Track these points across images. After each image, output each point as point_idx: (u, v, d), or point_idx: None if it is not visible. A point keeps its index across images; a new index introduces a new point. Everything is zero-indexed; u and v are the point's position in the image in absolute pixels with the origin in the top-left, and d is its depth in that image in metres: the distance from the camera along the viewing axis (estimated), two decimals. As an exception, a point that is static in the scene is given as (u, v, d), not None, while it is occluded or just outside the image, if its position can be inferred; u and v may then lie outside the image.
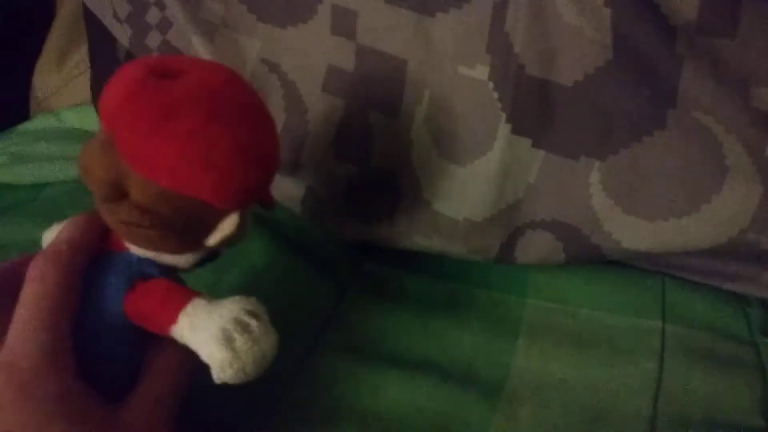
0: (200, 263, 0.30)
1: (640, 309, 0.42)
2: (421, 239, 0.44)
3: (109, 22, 0.52)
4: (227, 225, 0.27)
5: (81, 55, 0.68)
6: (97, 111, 0.27)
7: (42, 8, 0.70)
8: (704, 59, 0.37)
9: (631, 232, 0.39)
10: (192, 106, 0.25)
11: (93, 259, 0.28)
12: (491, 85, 0.39)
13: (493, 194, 0.41)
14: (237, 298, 0.26)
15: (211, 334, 0.25)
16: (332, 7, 0.41)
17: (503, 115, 0.39)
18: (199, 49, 0.45)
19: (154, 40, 0.48)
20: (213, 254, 0.30)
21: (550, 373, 0.38)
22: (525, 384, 0.38)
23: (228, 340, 0.25)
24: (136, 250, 0.28)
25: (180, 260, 0.29)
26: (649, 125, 0.38)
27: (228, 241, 0.28)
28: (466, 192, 0.41)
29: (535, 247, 0.42)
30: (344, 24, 0.41)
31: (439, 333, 0.41)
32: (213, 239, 0.28)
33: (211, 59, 0.44)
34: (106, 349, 0.28)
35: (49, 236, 0.31)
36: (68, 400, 0.25)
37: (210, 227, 0.28)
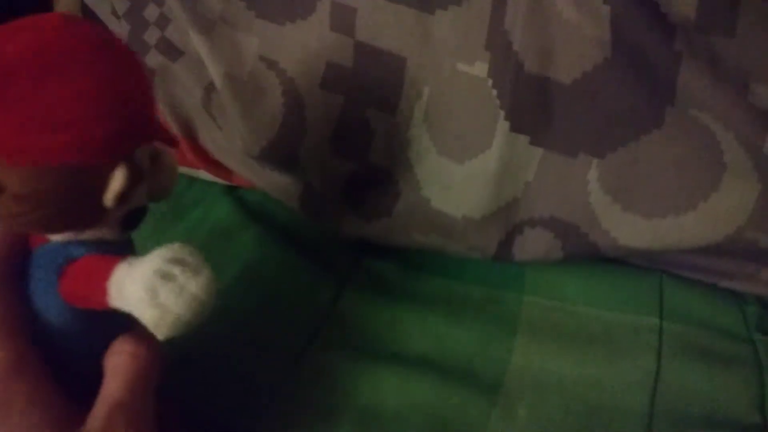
0: (128, 225, 0.28)
1: (638, 306, 0.42)
2: (419, 236, 0.44)
3: (106, 18, 0.51)
4: (116, 180, 0.25)
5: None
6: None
7: (39, 4, 0.70)
8: (703, 57, 0.37)
9: (629, 230, 0.39)
10: (17, 71, 0.23)
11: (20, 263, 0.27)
12: (490, 82, 0.39)
13: (492, 192, 0.41)
14: (158, 249, 0.24)
15: (137, 295, 0.23)
16: (331, 4, 0.41)
17: (502, 113, 0.39)
18: (197, 45, 0.45)
19: (152, 36, 0.48)
20: (139, 211, 0.28)
21: (548, 371, 0.38)
22: (523, 381, 0.38)
23: (153, 296, 0.23)
24: (54, 236, 0.27)
25: (98, 232, 0.27)
26: (648, 123, 0.38)
27: (125, 196, 0.26)
28: (465, 189, 0.41)
29: (534, 244, 0.42)
30: (343, 20, 0.41)
31: (437, 330, 0.41)
32: (109, 199, 0.25)
33: (210, 54, 0.44)
34: (74, 347, 0.27)
35: None
36: (38, 401, 0.25)
37: (101, 187, 0.25)
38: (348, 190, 0.44)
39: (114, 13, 0.50)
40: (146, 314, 0.23)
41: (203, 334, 0.39)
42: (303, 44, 0.43)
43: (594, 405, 0.36)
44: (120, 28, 0.50)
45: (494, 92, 0.39)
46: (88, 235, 0.27)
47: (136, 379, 0.26)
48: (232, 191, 0.51)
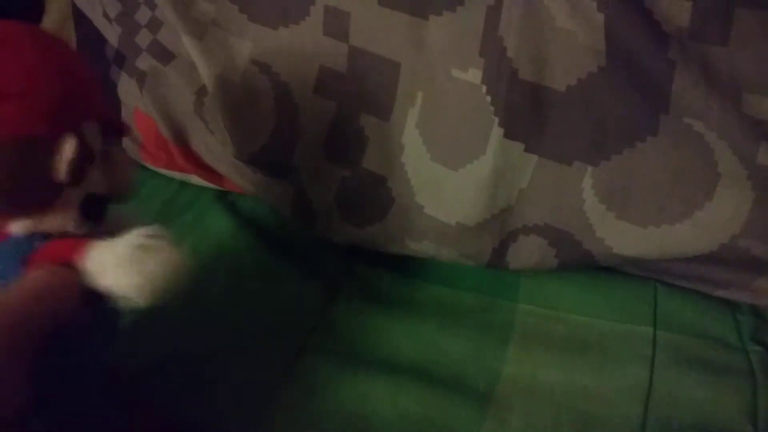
0: (88, 215, 0.29)
1: (632, 315, 0.41)
2: (412, 243, 0.44)
3: (98, 21, 0.51)
4: (66, 149, 0.27)
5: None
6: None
7: (31, 7, 0.70)
8: (697, 65, 0.37)
9: (623, 238, 0.39)
10: None
11: None
12: (484, 88, 0.39)
13: (486, 199, 0.40)
14: (134, 229, 0.27)
15: (122, 266, 0.26)
16: (325, 8, 0.41)
17: (496, 119, 0.39)
18: (189, 48, 0.45)
19: (144, 39, 0.47)
20: (98, 201, 0.29)
21: (541, 379, 0.38)
22: (515, 390, 0.38)
23: (138, 266, 0.26)
24: (15, 229, 0.27)
25: (59, 221, 0.28)
26: (642, 131, 0.37)
27: (78, 173, 0.27)
28: (459, 196, 0.41)
29: (528, 252, 0.42)
30: (337, 25, 0.41)
31: (428, 337, 0.41)
32: (60, 170, 0.27)
33: (202, 58, 0.44)
34: None
35: None
36: None
37: (52, 164, 0.27)
38: (341, 197, 0.44)
39: (105, 15, 0.50)
40: (133, 281, 0.25)
41: (194, 339, 0.39)
42: (296, 48, 0.43)
43: (587, 414, 0.36)
44: (112, 31, 0.50)
45: (488, 99, 0.39)
46: (49, 224, 0.28)
47: (37, 290, 0.26)
48: (224, 196, 0.50)
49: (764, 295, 0.41)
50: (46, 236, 0.27)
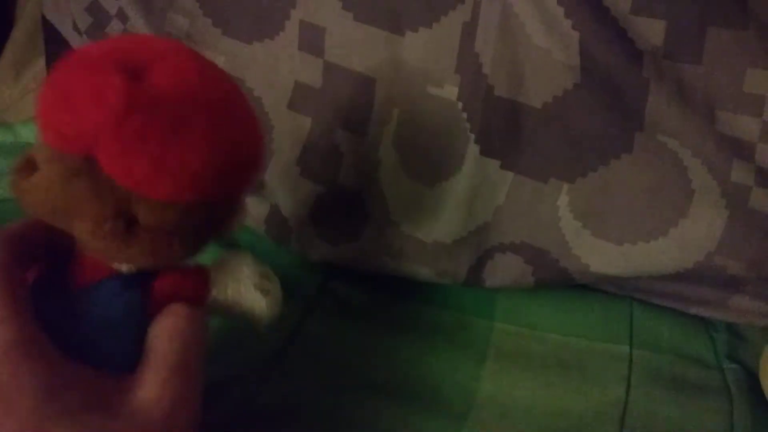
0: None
1: (608, 334, 0.41)
2: (388, 261, 0.43)
3: (68, 33, 0.50)
4: (244, 211, 0.29)
5: (38, 68, 0.66)
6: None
7: (0, 19, 0.68)
8: (671, 83, 0.37)
9: (599, 256, 0.39)
10: (191, 108, 0.24)
11: (60, 299, 0.26)
12: (460, 105, 0.39)
13: (462, 216, 0.40)
14: (246, 257, 0.30)
15: (252, 291, 0.29)
16: (300, 23, 0.41)
17: (472, 136, 0.39)
18: None
19: (115, 52, 0.47)
20: None
21: (517, 399, 0.37)
22: (492, 409, 0.37)
23: (264, 291, 0.29)
24: (125, 268, 0.27)
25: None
26: (617, 148, 0.38)
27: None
28: (435, 213, 0.41)
29: (504, 270, 0.41)
30: (312, 40, 0.41)
31: (404, 356, 0.40)
32: (233, 227, 0.28)
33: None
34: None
35: None
36: (61, 393, 0.23)
37: (223, 225, 0.27)
38: (316, 214, 0.43)
39: (76, 28, 0.49)
40: (264, 303, 0.29)
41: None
42: (270, 63, 0.42)
43: (564, 434, 0.36)
44: (82, 44, 0.49)
45: (464, 115, 0.39)
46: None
47: (196, 340, 0.26)
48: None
49: (740, 313, 0.41)
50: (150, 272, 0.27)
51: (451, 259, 0.41)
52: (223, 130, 0.24)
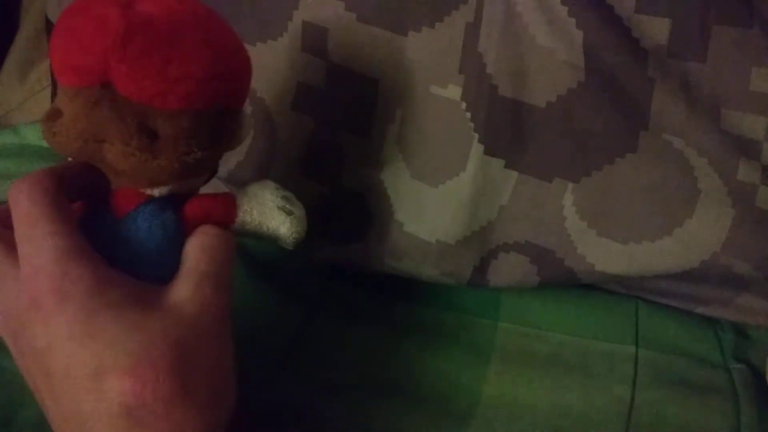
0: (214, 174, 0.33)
1: (613, 334, 0.41)
2: (392, 262, 0.43)
3: (72, 35, 0.50)
4: (248, 123, 0.31)
5: (43, 70, 0.67)
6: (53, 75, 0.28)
7: (5, 22, 0.69)
8: (675, 82, 0.37)
9: (605, 255, 0.39)
10: (181, 26, 0.26)
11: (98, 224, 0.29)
12: (464, 105, 0.39)
13: (466, 216, 0.40)
14: (268, 182, 0.32)
15: (276, 211, 0.31)
16: (303, 24, 0.41)
17: (476, 136, 0.38)
18: None
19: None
20: None
21: (522, 400, 0.37)
22: (496, 411, 0.37)
23: (288, 211, 0.31)
24: (158, 192, 0.29)
25: (198, 183, 0.31)
26: (622, 147, 0.37)
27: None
28: (439, 213, 0.41)
29: (509, 270, 0.41)
30: (315, 41, 0.41)
31: (408, 357, 0.40)
32: (238, 141, 0.30)
33: None
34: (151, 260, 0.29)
35: None
36: (107, 291, 0.25)
37: (232, 134, 0.30)
38: (319, 214, 0.43)
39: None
40: (287, 222, 0.31)
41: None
42: (274, 64, 0.42)
43: (569, 434, 0.36)
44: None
45: (468, 115, 0.39)
46: (188, 185, 0.30)
47: (224, 254, 0.28)
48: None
49: (746, 313, 0.41)
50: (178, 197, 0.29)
51: (456, 260, 0.41)
52: (213, 41, 0.27)
